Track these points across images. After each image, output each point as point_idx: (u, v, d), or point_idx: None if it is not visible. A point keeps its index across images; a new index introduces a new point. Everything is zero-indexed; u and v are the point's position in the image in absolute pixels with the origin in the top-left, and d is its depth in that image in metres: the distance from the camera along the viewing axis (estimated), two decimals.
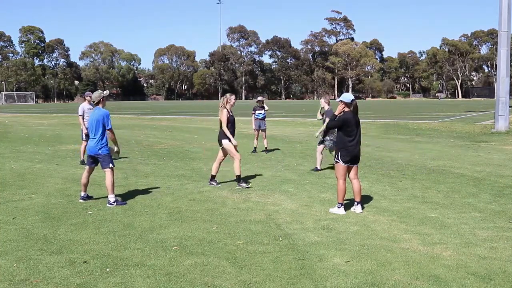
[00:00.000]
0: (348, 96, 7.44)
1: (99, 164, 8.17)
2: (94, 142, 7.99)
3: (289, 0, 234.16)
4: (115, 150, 8.50)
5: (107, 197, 8.01)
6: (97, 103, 8.16)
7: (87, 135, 12.44)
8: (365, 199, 8.23)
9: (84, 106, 12.55)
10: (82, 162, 12.27)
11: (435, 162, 12.29)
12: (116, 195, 8.07)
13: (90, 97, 12.41)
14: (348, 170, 7.48)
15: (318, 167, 11.25)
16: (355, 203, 7.48)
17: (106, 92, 8.50)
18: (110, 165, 8.06)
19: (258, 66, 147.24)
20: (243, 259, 5.34)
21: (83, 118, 12.46)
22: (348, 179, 7.52)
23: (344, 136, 7.31)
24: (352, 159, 7.38)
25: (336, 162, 7.44)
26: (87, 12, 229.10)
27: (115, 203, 7.87)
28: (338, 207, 7.36)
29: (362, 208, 7.46)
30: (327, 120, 10.39)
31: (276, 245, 5.82)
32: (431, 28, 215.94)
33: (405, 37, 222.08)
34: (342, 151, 7.34)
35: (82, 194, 8.24)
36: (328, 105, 11.46)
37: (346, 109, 7.34)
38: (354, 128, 7.30)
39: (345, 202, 7.57)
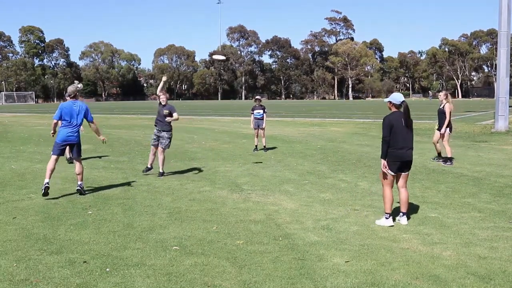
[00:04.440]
0: (398, 97, 6.79)
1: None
2: (74, 131, 8.56)
3: (289, 0, 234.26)
4: (102, 141, 9.29)
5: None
6: (74, 97, 8.67)
7: None
8: (365, 199, 8.23)
9: None
10: (69, 160, 12.63)
11: (435, 162, 12.29)
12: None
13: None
14: (397, 178, 6.79)
15: (149, 166, 10.77)
16: (401, 213, 6.80)
17: (80, 86, 9.01)
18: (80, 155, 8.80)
19: (258, 66, 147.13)
20: (243, 259, 5.34)
21: None
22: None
23: (392, 139, 6.60)
24: (402, 165, 6.68)
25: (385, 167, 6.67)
26: (87, 12, 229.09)
27: (85, 192, 8.57)
28: (386, 218, 6.64)
29: (408, 219, 6.83)
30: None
31: (276, 245, 5.82)
32: (431, 28, 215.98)
33: (405, 37, 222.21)
34: (390, 157, 6.61)
35: (47, 180, 8.42)
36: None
37: (394, 109, 6.75)
38: (400, 131, 6.58)
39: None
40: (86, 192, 8.70)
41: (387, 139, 6.64)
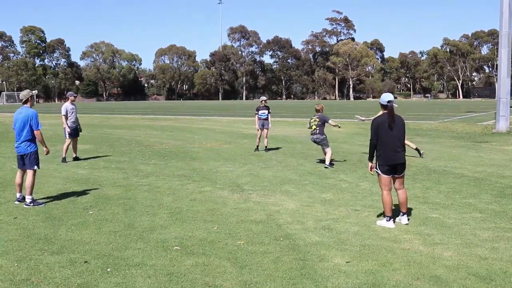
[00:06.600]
0: (384, 97, 6.66)
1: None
2: (19, 142, 8.06)
3: (289, 0, 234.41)
4: (45, 153, 8.42)
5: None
6: (25, 102, 8.17)
7: (70, 134, 12.93)
8: (366, 200, 8.23)
9: (67, 106, 13.19)
10: (64, 160, 12.77)
11: (436, 163, 12.29)
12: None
13: (74, 97, 13.43)
14: (393, 180, 6.72)
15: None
16: (401, 213, 6.78)
17: (35, 92, 8.49)
18: (35, 167, 8.11)
19: (259, 66, 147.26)
20: (244, 259, 5.34)
21: (66, 118, 13.06)
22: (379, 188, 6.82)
23: (379, 142, 6.57)
24: (392, 168, 6.58)
25: (376, 172, 6.69)
26: (88, 12, 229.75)
27: (32, 204, 7.83)
28: (387, 220, 6.60)
29: (408, 219, 6.81)
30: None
31: (277, 245, 5.82)
32: (432, 28, 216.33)
33: (406, 37, 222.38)
34: (379, 159, 6.59)
35: (18, 195, 8.15)
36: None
37: (383, 110, 6.67)
38: (385, 133, 6.51)
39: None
40: (41, 204, 7.86)
41: (373, 142, 6.66)
